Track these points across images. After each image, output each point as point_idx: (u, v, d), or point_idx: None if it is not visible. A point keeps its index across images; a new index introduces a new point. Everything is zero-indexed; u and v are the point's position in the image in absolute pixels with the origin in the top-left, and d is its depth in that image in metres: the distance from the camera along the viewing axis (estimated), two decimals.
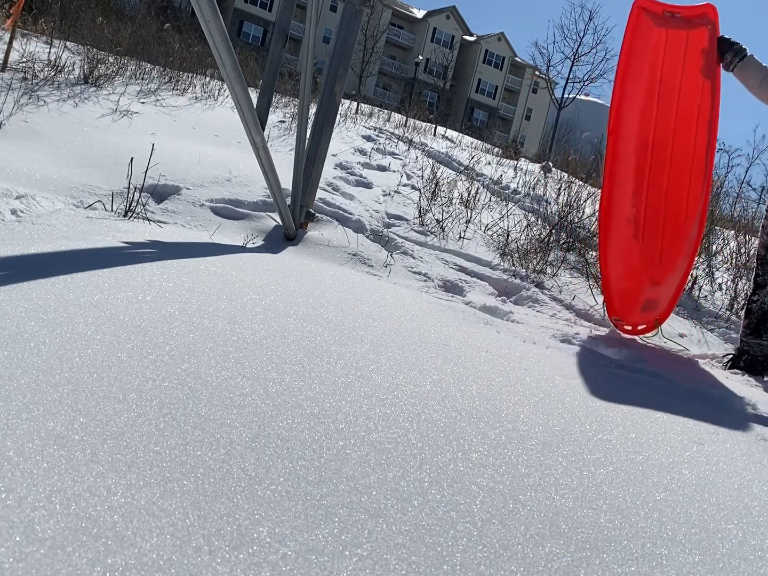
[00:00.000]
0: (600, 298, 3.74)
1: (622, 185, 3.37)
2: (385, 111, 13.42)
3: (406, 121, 11.75)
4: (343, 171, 5.44)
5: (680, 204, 3.25)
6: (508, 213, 5.58)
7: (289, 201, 3.51)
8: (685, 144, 3.20)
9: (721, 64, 3.09)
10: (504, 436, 1.48)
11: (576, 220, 5.47)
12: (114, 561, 0.80)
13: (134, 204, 3.21)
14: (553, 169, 9.46)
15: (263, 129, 3.68)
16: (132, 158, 3.41)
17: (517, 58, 52.15)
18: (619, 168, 3.36)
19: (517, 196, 6.69)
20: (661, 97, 3.26)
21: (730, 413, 2.22)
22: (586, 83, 33.20)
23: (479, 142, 14.18)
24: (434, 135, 11.84)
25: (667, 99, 3.25)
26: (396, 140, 8.45)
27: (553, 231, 5.00)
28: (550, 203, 6.47)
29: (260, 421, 1.25)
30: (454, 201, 5.42)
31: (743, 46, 3.04)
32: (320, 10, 3.44)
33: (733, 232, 6.37)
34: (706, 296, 4.46)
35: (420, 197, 5.06)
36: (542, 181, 7.84)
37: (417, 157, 7.50)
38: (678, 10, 3.23)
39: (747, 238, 5.97)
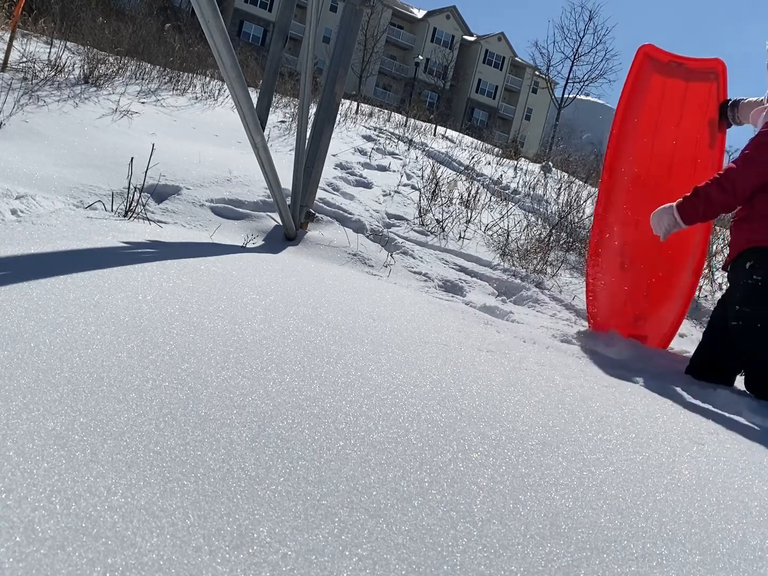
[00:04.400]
0: None
1: (613, 216, 3.37)
2: (385, 111, 13.41)
3: (406, 121, 11.75)
4: (343, 171, 5.44)
5: (673, 240, 3.20)
6: (508, 213, 5.58)
7: (289, 201, 3.51)
8: (681, 183, 3.16)
9: (731, 124, 3.17)
10: (504, 436, 1.48)
11: (576, 220, 5.48)
12: (114, 561, 0.80)
13: (134, 204, 3.21)
14: (553, 169, 9.46)
15: (263, 129, 3.69)
16: (132, 158, 3.41)
17: (517, 58, 52.14)
18: (612, 199, 3.36)
19: (517, 196, 6.69)
20: (657, 136, 3.30)
21: (730, 413, 2.22)
22: (586, 83, 33.23)
23: (479, 142, 14.18)
24: (434, 135, 11.84)
25: (664, 138, 3.29)
26: (396, 140, 8.44)
27: (553, 231, 5.00)
28: (550, 203, 6.47)
29: (260, 421, 1.25)
30: (454, 201, 5.42)
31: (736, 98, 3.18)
32: (320, 10, 3.44)
33: None
34: (706, 296, 4.46)
35: (420, 197, 5.06)
36: (542, 181, 7.84)
37: (417, 157, 7.50)
38: (684, 62, 3.25)
39: None
